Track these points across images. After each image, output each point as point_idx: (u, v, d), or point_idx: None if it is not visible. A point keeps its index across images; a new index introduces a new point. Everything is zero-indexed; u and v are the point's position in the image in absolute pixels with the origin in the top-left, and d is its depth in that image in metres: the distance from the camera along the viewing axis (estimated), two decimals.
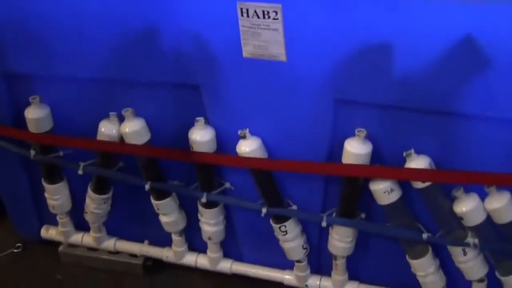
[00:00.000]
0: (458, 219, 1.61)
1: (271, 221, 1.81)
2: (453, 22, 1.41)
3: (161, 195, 1.87)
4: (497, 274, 1.68)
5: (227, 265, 1.97)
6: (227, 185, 1.82)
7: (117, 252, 2.08)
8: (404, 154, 1.58)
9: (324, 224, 1.73)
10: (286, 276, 1.92)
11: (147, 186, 1.84)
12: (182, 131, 1.77)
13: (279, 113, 1.67)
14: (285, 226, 1.78)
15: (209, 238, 1.91)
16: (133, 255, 2.07)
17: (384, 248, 1.80)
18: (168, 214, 1.90)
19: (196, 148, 1.72)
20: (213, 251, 1.95)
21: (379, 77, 1.53)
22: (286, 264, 1.91)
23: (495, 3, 1.37)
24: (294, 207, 1.78)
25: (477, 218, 1.59)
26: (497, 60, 1.42)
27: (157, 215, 1.94)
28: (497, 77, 1.43)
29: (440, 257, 1.74)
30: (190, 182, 1.86)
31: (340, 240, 1.76)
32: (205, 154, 1.72)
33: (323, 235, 1.82)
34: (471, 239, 1.63)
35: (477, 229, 1.61)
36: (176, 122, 1.80)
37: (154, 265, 2.07)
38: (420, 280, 1.74)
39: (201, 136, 1.70)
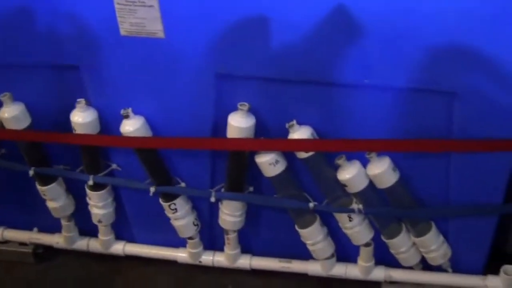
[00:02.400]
0: (342, 186, 1.65)
1: (160, 200, 1.79)
2: None
3: (46, 181, 1.83)
4: (382, 237, 1.74)
5: (119, 247, 1.95)
6: (114, 166, 1.80)
7: (6, 242, 2.01)
8: (287, 125, 1.60)
9: (213, 199, 1.73)
10: (179, 254, 1.92)
11: (31, 172, 1.79)
12: (64, 113, 1.72)
13: (161, 91, 1.66)
14: (175, 204, 1.77)
15: (99, 221, 1.88)
16: (23, 244, 2.01)
17: (275, 219, 1.83)
18: (55, 199, 1.87)
19: (79, 130, 1.69)
20: (105, 234, 1.92)
21: (258, 50, 1.53)
22: (179, 242, 1.91)
23: None
24: (183, 184, 1.77)
25: (360, 185, 1.63)
26: (370, 27, 1.44)
27: (44, 201, 1.88)
28: (371, 45, 1.46)
29: (328, 225, 1.78)
30: (76, 165, 1.82)
31: (230, 215, 1.77)
32: (88, 136, 1.69)
33: (214, 210, 1.83)
34: (355, 205, 1.67)
35: (361, 195, 1.65)
36: (58, 105, 1.75)
37: (46, 252, 2.02)
38: (310, 248, 1.78)
39: (82, 117, 1.67)
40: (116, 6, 1.53)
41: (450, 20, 1.39)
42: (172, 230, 1.85)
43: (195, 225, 1.83)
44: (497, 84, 1.44)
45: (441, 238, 1.72)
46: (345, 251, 1.81)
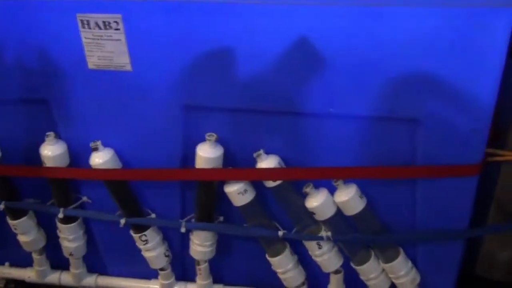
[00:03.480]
0: (310, 214, 1.67)
1: (131, 231, 1.80)
2: (289, 23, 1.45)
3: (17, 214, 1.84)
4: (352, 264, 1.76)
5: (91, 280, 1.96)
6: (84, 198, 1.81)
7: None
8: (254, 155, 1.62)
9: (183, 230, 1.75)
10: (151, 286, 1.92)
11: (1, 206, 1.80)
12: (33, 147, 1.73)
13: (130, 123, 1.67)
14: (145, 235, 1.78)
15: (71, 254, 1.88)
16: None
17: (246, 249, 1.84)
18: (26, 233, 1.87)
19: (48, 164, 1.70)
20: (76, 267, 1.93)
21: (224, 81, 1.56)
22: (151, 274, 1.91)
23: (328, 4, 1.42)
24: (153, 215, 1.77)
25: (328, 212, 1.65)
26: (333, 58, 1.48)
27: (15, 235, 1.88)
28: (334, 75, 1.50)
29: (298, 253, 1.80)
30: (47, 198, 1.82)
31: (201, 245, 1.78)
32: (57, 169, 1.69)
33: (185, 241, 1.84)
34: (324, 233, 1.69)
35: (329, 223, 1.67)
36: (27, 139, 1.76)
37: (18, 287, 2.01)
38: (281, 276, 1.79)
39: (52, 151, 1.68)
40: (84, 40, 1.55)
41: (408, 48, 1.42)
42: (144, 261, 1.86)
43: (166, 256, 1.83)
44: (457, 109, 1.48)
45: (410, 263, 1.74)
46: (316, 278, 1.82)
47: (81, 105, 1.66)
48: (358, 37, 1.43)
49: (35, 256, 1.93)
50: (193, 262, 1.86)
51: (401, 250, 1.73)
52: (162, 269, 1.87)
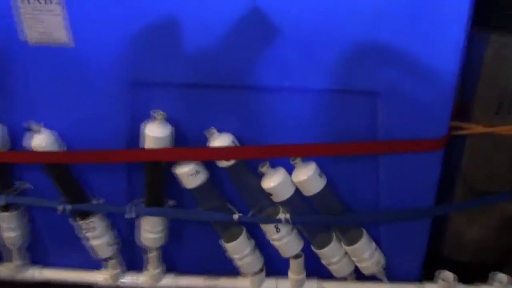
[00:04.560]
0: (267, 195, 1.69)
1: (76, 218, 1.81)
2: None
3: None
4: (312, 247, 1.78)
5: (34, 272, 1.95)
6: (26, 184, 1.81)
7: None
8: (206, 133, 1.64)
9: (130, 215, 1.75)
10: (98, 276, 1.93)
11: None
12: None
13: (73, 102, 1.68)
14: (91, 223, 1.80)
15: (12, 244, 1.88)
16: None
17: (199, 234, 1.86)
18: None
19: None
20: (18, 258, 1.93)
21: (172, 55, 1.57)
22: (98, 264, 1.92)
23: None
24: (100, 200, 1.79)
25: (285, 193, 1.67)
26: (285, 29, 1.50)
27: None
28: (287, 47, 1.52)
29: (255, 237, 1.82)
30: None
31: (151, 231, 1.80)
32: None
33: (134, 228, 1.85)
34: (282, 215, 1.72)
35: (288, 204, 1.70)
36: None
37: None
38: (237, 263, 1.81)
39: None
40: (23, 15, 1.55)
41: (363, 19, 1.45)
42: (86, 251, 1.87)
43: (113, 244, 1.85)
44: (419, 81, 1.51)
45: (373, 245, 1.77)
46: (274, 264, 1.84)
47: (21, 84, 1.66)
48: (310, 6, 1.45)
49: None
50: (141, 250, 1.87)
51: (364, 232, 1.76)
52: (110, 258, 1.88)
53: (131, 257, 1.92)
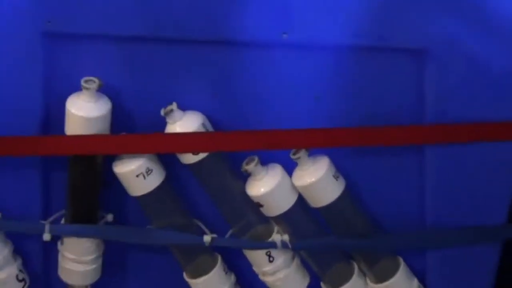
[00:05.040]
0: (255, 206, 1.68)
1: None
2: None
3: None
4: (323, 286, 1.78)
5: None
6: None
7: None
8: (162, 112, 1.63)
9: (47, 236, 1.74)
10: None
11: None
12: None
13: None
14: None
15: None
16: None
17: (150, 266, 1.86)
18: None
19: None
20: None
21: None
22: None
23: None
24: None
25: (283, 203, 1.67)
26: None
27: None
28: None
29: (236, 270, 1.82)
30: None
31: (77, 261, 1.78)
32: None
33: (51, 255, 1.84)
34: (277, 236, 1.71)
35: (286, 220, 1.69)
36: None
37: None
38: None
39: None
40: None
41: None
42: None
43: (20, 280, 1.83)
44: (482, 34, 1.51)
45: (415, 282, 1.77)
46: None
47: None
48: None
49: None
50: None
51: (402, 262, 1.76)
52: None
53: None
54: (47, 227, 1.75)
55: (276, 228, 1.72)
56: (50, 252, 1.85)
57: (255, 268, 1.77)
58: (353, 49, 1.60)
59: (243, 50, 1.62)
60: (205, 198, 1.73)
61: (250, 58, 1.63)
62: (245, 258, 1.78)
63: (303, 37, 1.59)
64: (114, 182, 1.70)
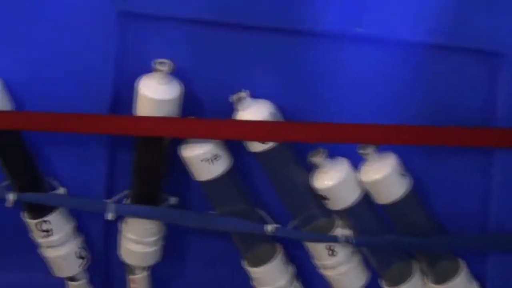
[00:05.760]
0: (319, 199, 1.68)
1: (24, 215, 1.80)
2: None
3: None
4: (382, 284, 1.78)
5: None
6: None
7: None
8: (232, 98, 1.62)
9: (110, 216, 1.75)
10: None
11: None
12: None
13: (30, 40, 1.69)
14: (48, 222, 1.79)
15: None
16: None
17: (209, 251, 1.86)
18: None
19: None
20: None
21: None
22: (51, 284, 1.91)
23: None
24: (62, 190, 1.79)
25: (348, 197, 1.67)
26: None
27: None
28: None
29: (296, 261, 1.81)
30: None
31: (138, 242, 1.79)
32: None
33: (112, 234, 1.85)
34: (340, 231, 1.71)
35: (350, 215, 1.69)
36: None
37: None
38: None
39: None
40: None
41: None
42: (43, 265, 1.86)
43: (80, 257, 1.84)
44: None
45: (475, 286, 1.76)
46: None
47: None
48: None
49: None
50: (123, 269, 1.86)
51: (463, 264, 1.75)
52: (72, 279, 1.87)
53: (105, 279, 1.92)
54: (111, 206, 1.76)
55: (338, 222, 1.71)
56: (111, 232, 1.86)
57: (315, 261, 1.77)
58: (426, 46, 1.60)
59: (316, 41, 1.62)
60: (268, 188, 1.73)
61: (322, 50, 1.63)
62: (305, 250, 1.78)
63: (377, 32, 1.59)
64: (178, 165, 1.70)
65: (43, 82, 1.72)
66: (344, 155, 1.68)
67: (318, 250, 1.74)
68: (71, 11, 1.65)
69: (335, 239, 1.71)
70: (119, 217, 1.79)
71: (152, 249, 1.81)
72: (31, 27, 1.68)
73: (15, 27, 1.69)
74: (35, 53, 1.71)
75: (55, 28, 1.67)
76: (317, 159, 1.64)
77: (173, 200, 1.78)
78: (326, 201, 1.68)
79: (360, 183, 1.67)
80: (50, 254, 1.84)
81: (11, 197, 1.76)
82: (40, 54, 1.70)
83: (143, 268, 1.85)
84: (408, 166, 1.68)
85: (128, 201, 1.77)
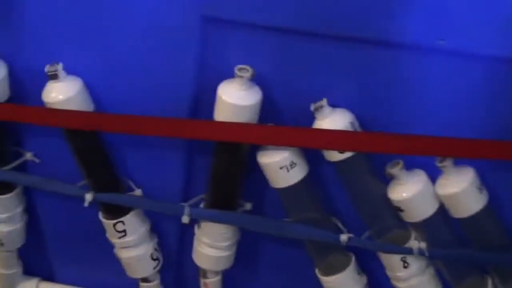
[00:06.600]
0: (395, 210, 1.67)
1: (100, 215, 1.82)
2: None
3: None
4: None
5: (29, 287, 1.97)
6: (28, 156, 1.83)
7: None
8: (312, 106, 1.62)
9: (186, 219, 1.76)
10: None
11: None
12: None
13: (111, 40, 1.71)
14: (124, 223, 1.80)
15: (1, 244, 1.90)
16: None
17: (281, 257, 1.87)
18: None
19: None
20: (7, 265, 1.95)
21: None
22: (124, 285, 1.93)
23: None
24: (138, 191, 1.81)
25: (424, 210, 1.66)
26: None
27: None
28: None
29: (369, 272, 1.81)
30: None
31: (212, 246, 1.80)
32: None
33: (186, 237, 1.86)
34: (415, 243, 1.70)
35: (425, 227, 1.68)
36: None
37: None
38: None
39: None
40: None
41: None
42: (116, 265, 1.88)
43: (154, 259, 1.85)
44: None
45: None
46: None
47: (33, 6, 1.69)
48: None
49: None
50: (196, 273, 1.87)
51: None
52: (145, 280, 1.89)
53: (178, 282, 1.94)
54: (186, 210, 1.77)
55: (414, 234, 1.70)
56: (185, 235, 1.87)
57: (388, 272, 1.76)
58: (507, 60, 1.56)
59: (396, 53, 1.60)
60: (344, 197, 1.73)
61: (403, 61, 1.61)
62: (378, 260, 1.77)
63: (459, 45, 1.57)
64: (255, 171, 1.70)
65: (123, 84, 1.74)
66: (418, 167, 1.67)
67: (392, 262, 1.74)
68: (155, 14, 1.66)
69: (410, 251, 1.70)
70: (194, 221, 1.80)
71: (225, 253, 1.82)
72: (114, 29, 1.69)
73: (98, 29, 1.71)
74: (117, 55, 1.72)
75: (138, 31, 1.68)
76: (395, 170, 1.63)
77: (248, 205, 1.78)
78: (402, 213, 1.67)
79: (437, 196, 1.65)
80: (124, 254, 1.86)
81: (88, 197, 1.77)
82: (122, 56, 1.72)
83: (216, 272, 1.86)
84: (485, 180, 1.65)
85: (204, 205, 1.77)
